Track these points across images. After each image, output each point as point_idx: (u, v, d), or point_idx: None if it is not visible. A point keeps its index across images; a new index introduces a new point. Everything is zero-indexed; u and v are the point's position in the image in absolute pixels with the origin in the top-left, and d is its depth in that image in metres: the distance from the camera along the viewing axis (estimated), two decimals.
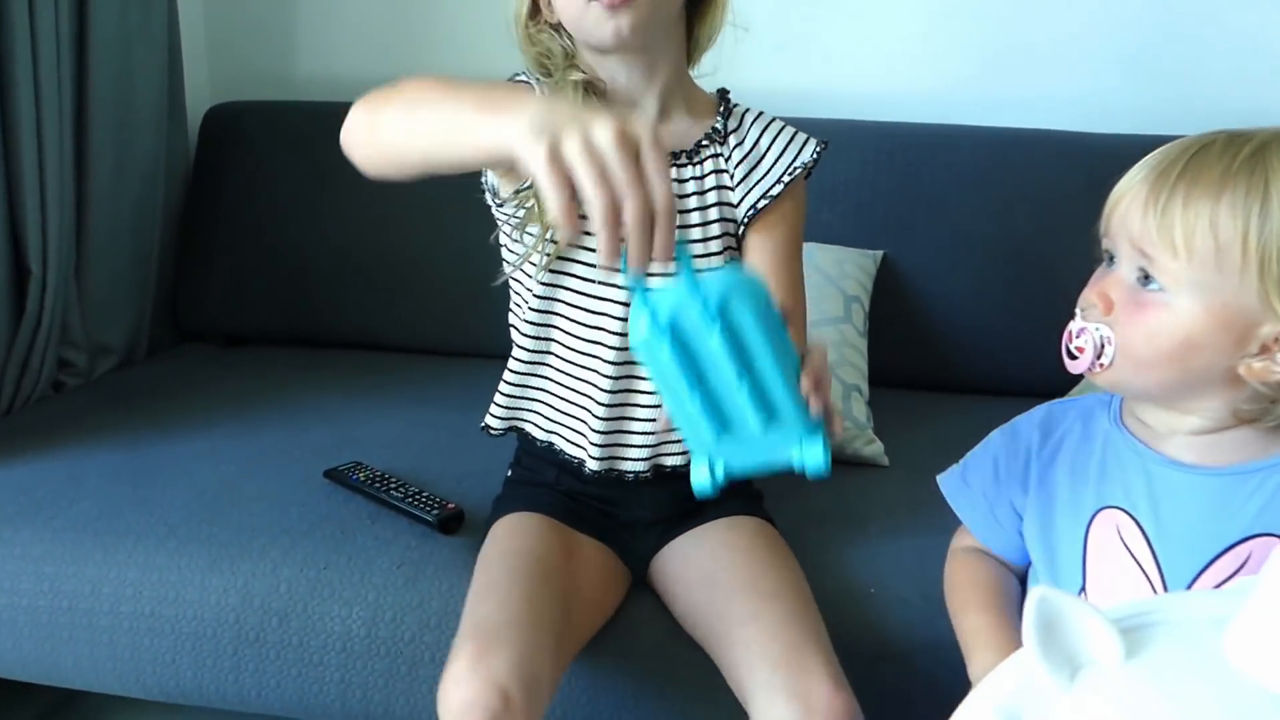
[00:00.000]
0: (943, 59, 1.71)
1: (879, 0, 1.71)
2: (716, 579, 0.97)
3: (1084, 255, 1.55)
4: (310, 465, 1.24)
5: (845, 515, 1.19)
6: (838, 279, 1.48)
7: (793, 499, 1.14)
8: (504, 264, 1.04)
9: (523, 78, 0.98)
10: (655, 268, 0.62)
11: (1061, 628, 0.45)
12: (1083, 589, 0.77)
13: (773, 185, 1.00)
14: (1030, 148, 1.60)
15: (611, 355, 0.99)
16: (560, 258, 0.98)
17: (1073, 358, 0.74)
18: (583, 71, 0.96)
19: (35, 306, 1.46)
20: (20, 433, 1.36)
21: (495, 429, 1.07)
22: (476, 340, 1.60)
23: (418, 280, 1.67)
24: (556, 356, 1.02)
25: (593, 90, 0.96)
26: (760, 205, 0.99)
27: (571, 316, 1.00)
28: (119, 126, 1.57)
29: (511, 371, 1.04)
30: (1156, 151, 0.71)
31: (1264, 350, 0.67)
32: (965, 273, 1.57)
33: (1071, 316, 0.75)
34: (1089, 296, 0.73)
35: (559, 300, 1.00)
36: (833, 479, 1.13)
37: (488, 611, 0.89)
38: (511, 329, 1.05)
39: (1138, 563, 0.73)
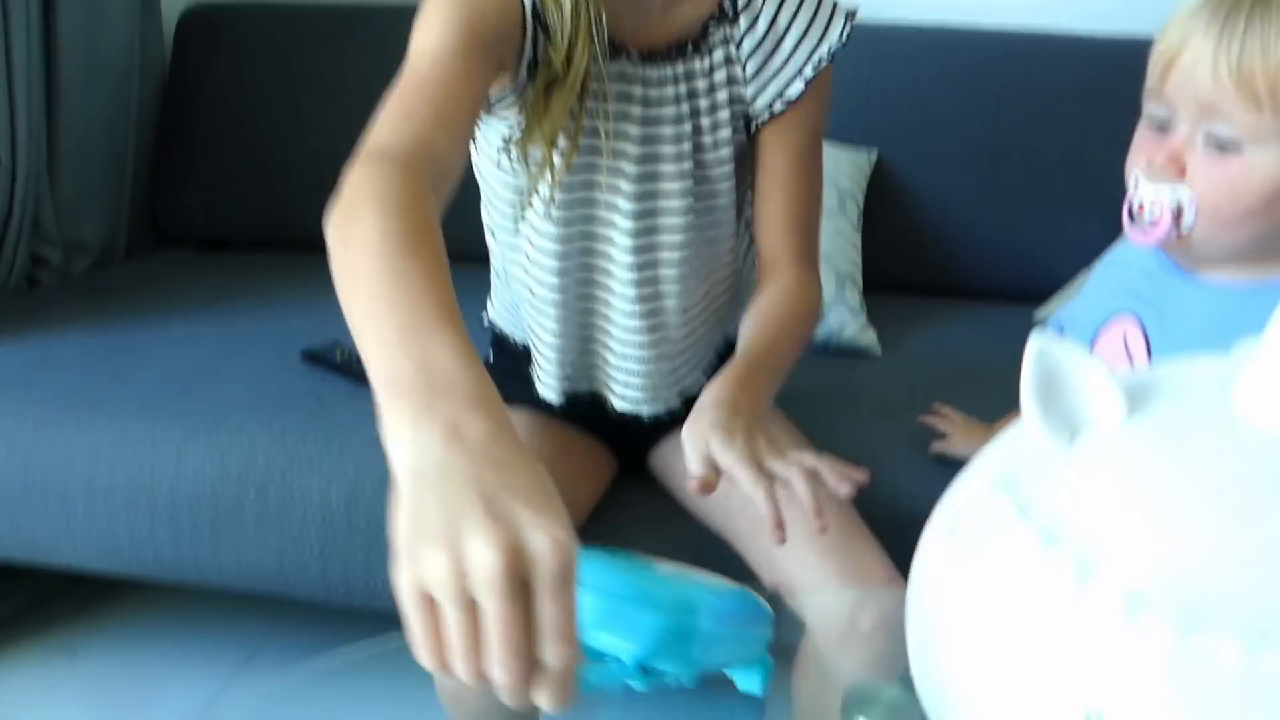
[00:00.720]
0: None
1: None
2: None
3: (1077, 157, 1.54)
4: (288, 348, 1.22)
5: (838, 395, 1.17)
6: (832, 175, 1.44)
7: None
8: (500, 213, 0.89)
9: None
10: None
11: (1061, 384, 0.42)
12: None
13: (791, 81, 0.86)
14: (1026, 49, 1.56)
15: (625, 259, 0.88)
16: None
17: (1143, 228, 0.68)
18: None
19: (5, 198, 1.43)
20: None
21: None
22: (454, 239, 1.57)
23: None
24: (576, 281, 0.89)
25: None
26: (778, 109, 0.87)
27: (592, 247, 0.88)
28: (89, 13, 1.52)
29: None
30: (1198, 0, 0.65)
31: None
32: (958, 173, 1.55)
33: (1114, 192, 0.70)
34: (1155, 161, 0.67)
35: (584, 223, 0.86)
36: (827, 365, 1.08)
37: None
38: (503, 274, 0.93)
39: (1132, 367, 0.72)
